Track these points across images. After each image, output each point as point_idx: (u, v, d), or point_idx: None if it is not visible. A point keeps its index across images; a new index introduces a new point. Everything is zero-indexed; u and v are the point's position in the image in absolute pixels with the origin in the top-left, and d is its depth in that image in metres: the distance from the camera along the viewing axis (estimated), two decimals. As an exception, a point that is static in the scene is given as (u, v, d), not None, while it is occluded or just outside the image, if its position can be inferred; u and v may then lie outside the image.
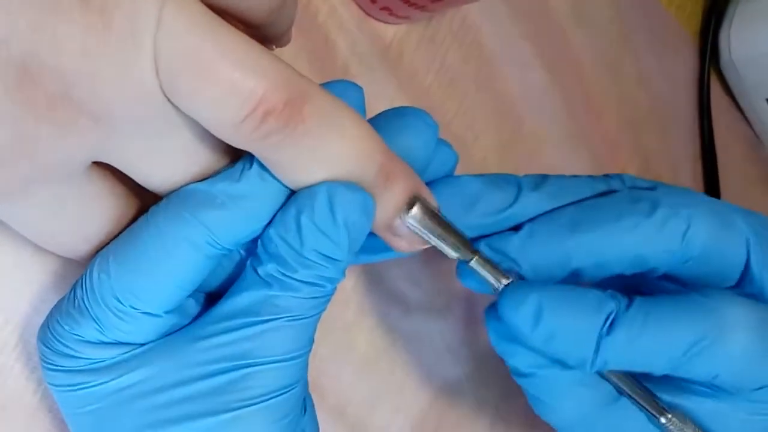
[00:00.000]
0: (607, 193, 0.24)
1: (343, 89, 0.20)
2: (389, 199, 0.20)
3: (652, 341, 0.22)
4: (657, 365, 0.22)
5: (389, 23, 0.31)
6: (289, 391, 0.20)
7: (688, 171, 0.43)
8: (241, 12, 0.18)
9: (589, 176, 0.25)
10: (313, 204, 0.19)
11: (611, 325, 0.22)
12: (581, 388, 0.24)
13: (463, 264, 0.22)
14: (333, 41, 0.30)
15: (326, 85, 0.20)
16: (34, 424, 0.23)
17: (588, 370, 0.23)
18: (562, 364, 0.23)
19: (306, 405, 0.22)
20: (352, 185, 0.19)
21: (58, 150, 0.17)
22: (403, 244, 0.21)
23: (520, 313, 0.22)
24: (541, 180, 0.25)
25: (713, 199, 0.24)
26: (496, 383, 0.33)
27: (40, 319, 0.23)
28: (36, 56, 0.16)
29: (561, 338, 0.22)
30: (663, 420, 0.24)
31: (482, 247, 0.24)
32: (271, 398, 0.20)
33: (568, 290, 0.22)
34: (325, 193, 0.19)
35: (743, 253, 0.24)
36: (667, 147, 0.42)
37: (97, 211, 0.20)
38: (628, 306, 0.22)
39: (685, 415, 0.24)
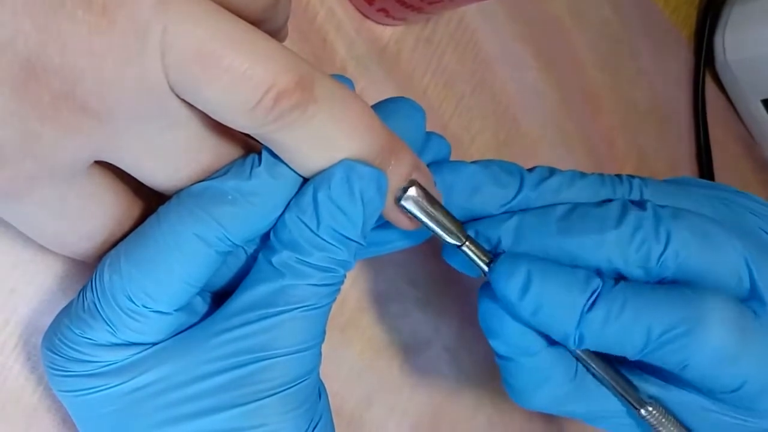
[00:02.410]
0: (605, 201, 0.25)
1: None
2: (395, 173, 0.21)
3: (630, 322, 0.22)
4: (631, 347, 0.22)
5: (386, 25, 0.31)
6: (305, 380, 0.21)
7: (684, 170, 0.43)
8: (236, 9, 0.19)
9: (599, 176, 0.25)
10: (330, 180, 0.19)
11: (593, 302, 0.22)
12: (554, 382, 0.24)
13: (450, 245, 0.23)
14: (331, 43, 0.30)
15: None
16: (34, 424, 0.24)
17: (570, 345, 0.23)
18: (548, 340, 0.24)
19: (321, 392, 0.23)
20: (366, 163, 0.20)
21: (62, 149, 0.17)
22: (407, 221, 0.22)
23: (511, 283, 0.22)
24: (547, 175, 0.25)
25: (706, 218, 0.24)
26: (493, 381, 0.34)
27: (40, 319, 0.23)
28: (41, 56, 0.16)
29: (546, 310, 0.22)
30: (643, 412, 0.24)
31: (471, 232, 0.24)
32: (289, 388, 0.20)
33: (558, 266, 0.23)
34: (342, 169, 0.19)
35: (733, 275, 0.23)
36: (663, 146, 0.42)
37: (99, 210, 0.20)
38: (614, 286, 0.23)
39: (664, 408, 0.24)
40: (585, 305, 0.22)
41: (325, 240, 0.20)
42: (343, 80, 0.21)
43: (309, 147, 0.19)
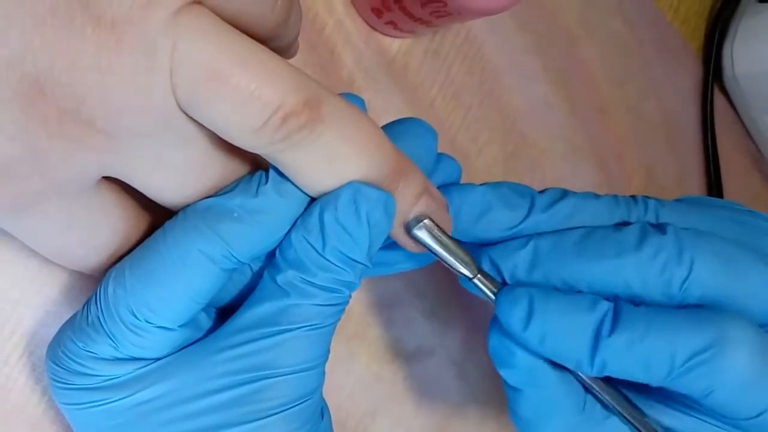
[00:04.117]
0: (621, 225, 0.24)
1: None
2: (403, 195, 0.20)
3: (654, 346, 0.21)
4: (655, 373, 0.22)
5: (394, 37, 0.31)
6: (308, 399, 0.21)
7: (692, 183, 0.43)
8: (246, 26, 0.19)
9: (613, 198, 0.25)
10: (337, 202, 0.19)
11: (613, 327, 0.22)
12: (563, 414, 0.24)
13: (462, 277, 0.23)
14: (339, 55, 0.30)
15: None
16: (38, 435, 0.24)
17: (586, 371, 0.22)
18: (557, 372, 0.23)
19: (323, 412, 0.22)
20: (374, 186, 0.20)
21: (69, 165, 0.17)
22: (414, 244, 0.22)
23: (514, 313, 0.22)
24: (559, 197, 0.24)
25: (730, 241, 0.23)
26: (499, 396, 0.33)
27: (46, 331, 0.23)
28: (49, 73, 0.16)
29: (553, 338, 0.22)
30: None
31: (485, 259, 0.24)
32: (291, 408, 0.20)
33: (563, 293, 0.23)
34: (349, 191, 0.19)
35: (759, 302, 0.23)
36: (671, 160, 0.42)
37: (106, 225, 0.20)
38: (634, 309, 0.22)
39: None
40: (598, 328, 0.22)
41: (330, 261, 0.20)
42: (354, 99, 0.21)
43: (316, 167, 0.19)
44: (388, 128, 0.22)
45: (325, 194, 0.20)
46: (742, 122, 0.45)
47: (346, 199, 0.19)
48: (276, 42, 0.20)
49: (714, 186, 0.43)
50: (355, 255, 0.20)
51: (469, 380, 0.33)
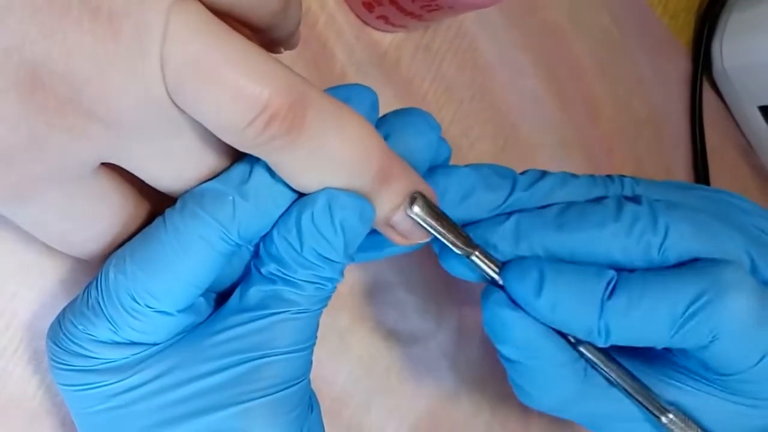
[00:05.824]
0: (599, 199, 0.25)
1: (357, 92, 0.21)
2: (386, 199, 0.21)
3: (654, 301, 0.22)
4: (659, 330, 0.22)
5: (386, 32, 0.31)
6: (296, 384, 0.21)
7: (680, 176, 0.43)
8: (244, 15, 0.19)
9: (590, 177, 0.26)
10: (313, 207, 0.20)
11: (613, 290, 0.22)
12: (563, 384, 0.24)
13: (446, 252, 0.23)
14: (331, 49, 0.30)
15: (340, 89, 0.21)
16: (34, 428, 0.24)
17: (596, 340, 0.23)
18: (555, 343, 0.24)
19: (312, 405, 0.23)
20: (351, 193, 0.20)
21: (68, 152, 0.18)
22: (400, 239, 0.22)
23: (525, 283, 0.23)
24: (538, 177, 0.25)
25: (701, 211, 0.24)
26: (491, 387, 0.34)
27: (42, 324, 0.23)
28: (47, 62, 0.16)
29: (565, 304, 0.22)
30: (664, 419, 0.24)
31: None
32: (280, 390, 0.21)
33: (568, 263, 0.23)
34: (324, 197, 0.20)
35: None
36: (660, 153, 0.42)
37: (106, 211, 0.20)
38: (629, 274, 0.23)
39: (684, 414, 0.24)
40: (604, 294, 0.22)
41: (308, 260, 0.20)
42: (366, 91, 0.21)
43: (298, 168, 0.19)
44: (389, 117, 0.23)
45: (305, 195, 0.20)
46: (732, 115, 0.46)
47: (321, 205, 0.20)
48: (275, 32, 0.21)
49: (702, 179, 0.43)
50: (331, 256, 0.20)
51: (462, 371, 0.33)
